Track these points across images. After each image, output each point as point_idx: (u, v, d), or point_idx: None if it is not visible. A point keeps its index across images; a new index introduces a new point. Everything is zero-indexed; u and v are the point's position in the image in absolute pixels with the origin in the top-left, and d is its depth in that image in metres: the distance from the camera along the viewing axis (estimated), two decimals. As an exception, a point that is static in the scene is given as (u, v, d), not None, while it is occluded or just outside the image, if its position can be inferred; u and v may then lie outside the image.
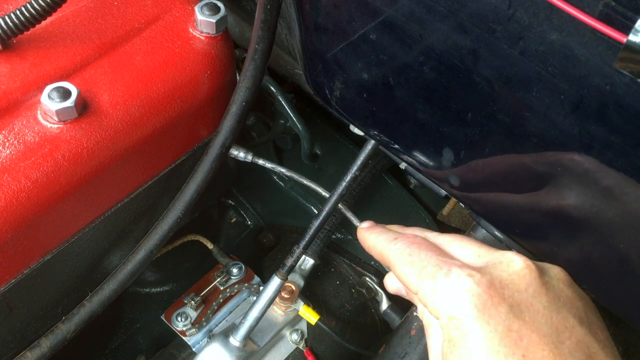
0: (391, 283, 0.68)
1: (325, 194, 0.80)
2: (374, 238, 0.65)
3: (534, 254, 0.67)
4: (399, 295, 0.69)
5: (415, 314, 0.71)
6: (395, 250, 0.61)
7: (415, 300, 0.60)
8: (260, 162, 0.82)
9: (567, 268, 0.59)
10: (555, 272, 0.57)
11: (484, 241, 0.70)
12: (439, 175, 0.65)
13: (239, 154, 0.81)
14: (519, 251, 0.68)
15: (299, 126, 1.02)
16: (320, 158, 1.12)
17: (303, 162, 1.11)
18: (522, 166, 0.55)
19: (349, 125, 0.75)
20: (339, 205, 0.79)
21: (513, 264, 0.55)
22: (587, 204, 0.52)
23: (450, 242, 0.61)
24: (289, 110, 1.01)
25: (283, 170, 0.84)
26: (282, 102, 1.01)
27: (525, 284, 0.54)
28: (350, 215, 0.80)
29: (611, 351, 0.53)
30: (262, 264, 1.04)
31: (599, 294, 0.59)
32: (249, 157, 0.81)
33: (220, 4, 0.73)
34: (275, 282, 0.80)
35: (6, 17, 0.64)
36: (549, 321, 0.52)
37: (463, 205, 0.71)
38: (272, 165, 0.83)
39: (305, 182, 0.83)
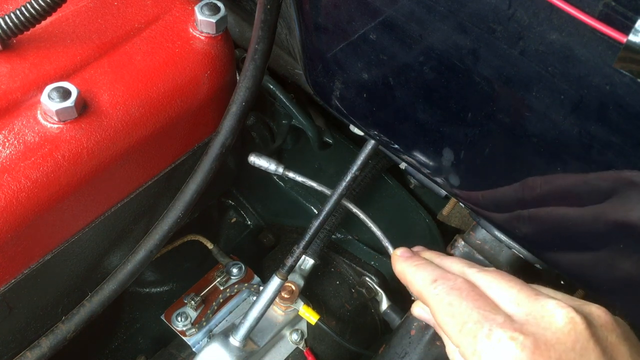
0: (419, 312, 0.67)
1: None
2: (412, 273, 0.63)
3: (536, 255, 0.67)
4: (426, 322, 0.68)
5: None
6: (435, 297, 0.59)
7: (443, 337, 0.60)
8: (291, 175, 0.83)
9: (567, 268, 0.59)
10: (598, 317, 0.55)
11: (484, 241, 0.70)
12: (439, 174, 0.64)
13: (270, 166, 0.81)
14: (518, 252, 0.68)
15: (300, 119, 1.02)
16: (321, 157, 1.12)
17: (303, 162, 1.10)
18: (520, 162, 0.55)
19: (349, 125, 0.75)
20: (371, 225, 0.79)
21: (556, 319, 0.53)
22: (577, 194, 0.52)
23: (489, 283, 0.59)
24: (290, 106, 1.01)
25: (314, 184, 0.83)
26: (283, 100, 1.01)
27: (572, 342, 0.52)
28: (383, 239, 0.79)
29: None
30: (262, 264, 1.04)
31: (605, 297, 0.59)
32: (280, 170, 0.82)
33: (220, 4, 0.73)
34: (275, 282, 0.80)
35: (6, 17, 0.64)
36: None
37: (463, 205, 0.71)
38: (302, 179, 0.83)
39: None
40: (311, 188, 0.84)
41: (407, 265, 0.64)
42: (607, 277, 0.57)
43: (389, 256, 0.70)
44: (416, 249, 0.69)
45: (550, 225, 0.57)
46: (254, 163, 0.82)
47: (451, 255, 0.71)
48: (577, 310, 0.54)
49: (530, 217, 0.58)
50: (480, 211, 0.66)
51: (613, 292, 0.59)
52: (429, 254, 0.67)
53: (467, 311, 0.56)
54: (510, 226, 0.62)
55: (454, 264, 0.63)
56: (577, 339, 0.52)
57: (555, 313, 0.53)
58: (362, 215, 0.81)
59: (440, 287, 0.59)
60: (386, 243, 0.79)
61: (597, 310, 0.55)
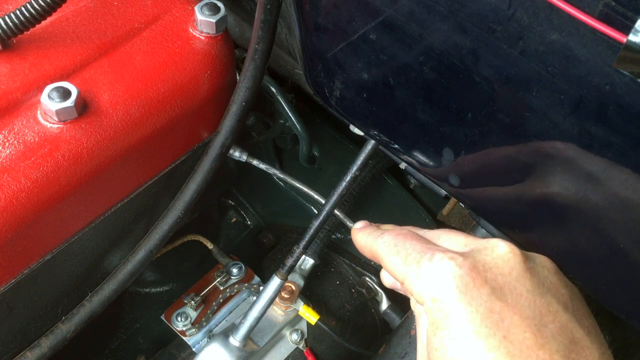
0: (386, 277, 0.68)
1: (317, 197, 0.80)
2: (364, 237, 0.66)
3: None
4: (395, 289, 0.69)
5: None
6: (382, 243, 0.61)
7: (408, 293, 0.61)
8: (255, 162, 0.82)
9: (569, 266, 0.59)
10: (541, 259, 0.57)
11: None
12: (439, 174, 0.65)
13: (234, 152, 0.81)
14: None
15: (298, 127, 1.02)
16: (319, 158, 1.12)
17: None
18: (520, 162, 0.55)
19: (348, 125, 0.75)
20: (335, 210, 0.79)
21: (497, 249, 0.55)
22: (577, 193, 0.52)
23: (438, 235, 0.61)
24: (288, 111, 1.01)
25: (277, 172, 0.83)
26: (282, 103, 1.01)
27: (509, 267, 0.54)
28: (343, 218, 0.80)
29: (597, 339, 0.53)
30: (262, 264, 1.04)
31: (592, 288, 0.59)
32: (244, 157, 0.81)
33: (220, 4, 0.73)
34: (275, 282, 0.80)
35: (6, 17, 0.64)
36: (532, 304, 0.52)
37: (463, 205, 0.71)
38: (265, 166, 0.82)
39: (298, 184, 0.83)
40: (309, 186, 0.84)
41: (363, 234, 0.66)
42: (597, 267, 0.57)
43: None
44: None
45: (531, 214, 0.58)
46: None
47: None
48: (520, 249, 0.56)
49: (510, 208, 0.60)
50: (480, 211, 0.66)
51: (609, 289, 0.59)
52: (388, 226, 0.69)
53: (412, 246, 0.58)
54: (498, 217, 0.64)
55: (407, 228, 0.66)
56: (514, 266, 0.54)
57: (497, 244, 0.56)
58: (349, 223, 0.80)
59: (387, 235, 0.62)
60: (350, 224, 0.79)
61: (541, 256, 0.58)
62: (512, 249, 0.55)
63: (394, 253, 0.59)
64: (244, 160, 0.81)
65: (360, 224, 0.69)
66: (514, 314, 0.51)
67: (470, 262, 0.54)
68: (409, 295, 0.60)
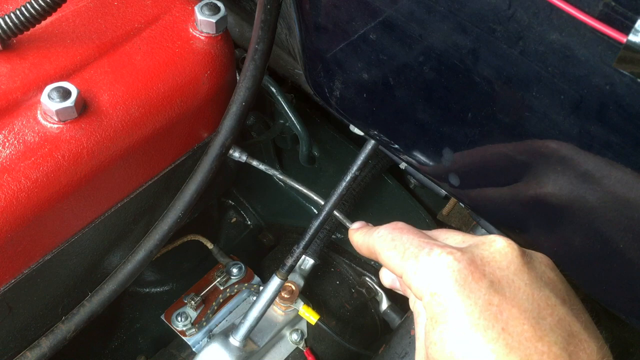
0: (385, 276, 0.68)
1: (317, 197, 0.80)
2: (360, 235, 0.66)
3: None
4: (394, 289, 0.69)
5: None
6: (378, 238, 0.61)
7: (407, 292, 0.61)
8: (254, 163, 0.82)
9: (568, 267, 0.59)
10: (539, 255, 0.57)
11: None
12: (439, 174, 0.65)
13: (234, 153, 0.81)
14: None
15: (298, 128, 1.02)
16: (319, 158, 1.12)
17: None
18: (520, 162, 0.55)
19: (348, 125, 0.75)
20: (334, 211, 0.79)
21: (495, 243, 0.56)
22: (576, 193, 0.52)
23: (436, 234, 0.61)
24: (288, 112, 1.01)
25: (276, 172, 0.83)
26: (282, 103, 1.01)
27: (507, 261, 0.54)
28: (343, 219, 0.80)
29: (594, 334, 0.53)
30: (262, 264, 1.04)
31: (592, 288, 0.59)
32: (244, 158, 0.81)
33: (220, 4, 0.73)
34: (275, 282, 0.80)
35: (6, 17, 0.64)
36: (530, 298, 0.53)
37: (463, 205, 0.71)
38: (265, 167, 0.82)
39: (297, 185, 0.83)
40: (309, 187, 0.84)
41: (360, 233, 0.66)
42: (596, 268, 0.57)
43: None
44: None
45: (531, 214, 0.59)
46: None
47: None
48: (518, 245, 0.56)
49: (510, 208, 0.60)
50: (480, 211, 0.66)
51: (609, 289, 0.59)
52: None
53: (409, 240, 0.58)
54: (498, 217, 0.64)
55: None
56: (512, 260, 0.54)
57: (495, 240, 0.56)
58: (347, 223, 0.80)
59: (383, 230, 0.62)
60: (348, 224, 0.79)
61: (539, 253, 0.58)
62: (509, 244, 0.56)
63: (392, 247, 0.59)
64: (243, 161, 0.81)
65: (356, 225, 0.69)
66: (513, 307, 0.51)
67: (468, 256, 0.54)
68: (407, 290, 0.60)
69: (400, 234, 0.60)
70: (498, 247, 0.55)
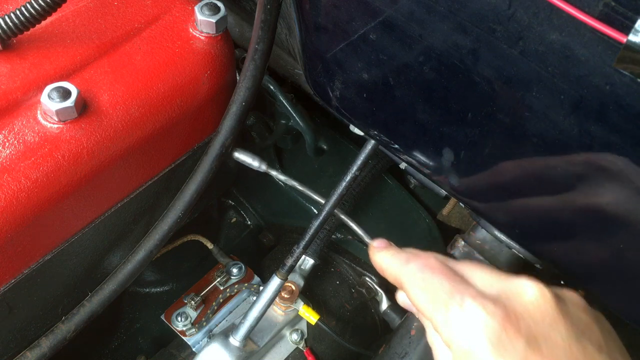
0: (402, 298, 0.67)
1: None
2: (387, 259, 0.63)
3: (535, 255, 0.67)
4: (408, 308, 0.67)
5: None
6: (407, 273, 0.59)
7: (423, 320, 0.60)
8: (273, 172, 0.82)
9: (568, 268, 0.59)
10: (571, 296, 0.56)
11: (484, 241, 0.70)
12: (439, 174, 0.65)
13: (253, 162, 0.81)
14: (518, 252, 0.68)
15: (300, 122, 1.02)
16: (322, 156, 1.11)
17: (303, 162, 1.10)
18: (519, 162, 0.55)
19: (348, 125, 0.75)
20: (350, 223, 0.79)
21: (527, 293, 0.54)
22: (576, 192, 0.52)
23: (462, 267, 0.59)
24: (289, 108, 1.01)
25: (295, 183, 0.83)
26: (282, 101, 1.01)
27: (541, 313, 0.53)
28: (361, 232, 0.80)
29: None
30: (262, 264, 1.04)
31: (603, 296, 0.59)
32: (263, 167, 0.81)
33: (220, 4, 0.73)
34: (275, 282, 0.80)
35: (6, 17, 0.64)
36: (567, 352, 0.51)
37: (463, 205, 0.71)
38: (285, 178, 0.82)
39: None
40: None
41: (383, 254, 0.64)
42: (597, 269, 0.57)
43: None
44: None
45: (532, 215, 0.58)
46: (238, 158, 0.82)
47: (451, 255, 0.71)
48: (549, 288, 0.54)
49: (510, 208, 0.59)
50: (480, 211, 0.66)
51: (609, 290, 0.59)
52: (409, 250, 0.67)
53: (440, 283, 0.56)
54: (498, 217, 0.63)
55: (431, 255, 0.63)
56: (547, 311, 0.53)
57: (526, 288, 0.54)
58: (366, 238, 0.81)
59: (413, 264, 0.59)
60: (367, 239, 0.79)
61: (570, 292, 0.56)
62: (542, 291, 0.54)
63: (422, 288, 0.57)
64: (263, 170, 0.81)
65: (378, 242, 0.67)
66: None
67: (501, 310, 0.52)
68: (427, 325, 0.59)
69: (432, 274, 0.57)
70: (531, 297, 0.53)
